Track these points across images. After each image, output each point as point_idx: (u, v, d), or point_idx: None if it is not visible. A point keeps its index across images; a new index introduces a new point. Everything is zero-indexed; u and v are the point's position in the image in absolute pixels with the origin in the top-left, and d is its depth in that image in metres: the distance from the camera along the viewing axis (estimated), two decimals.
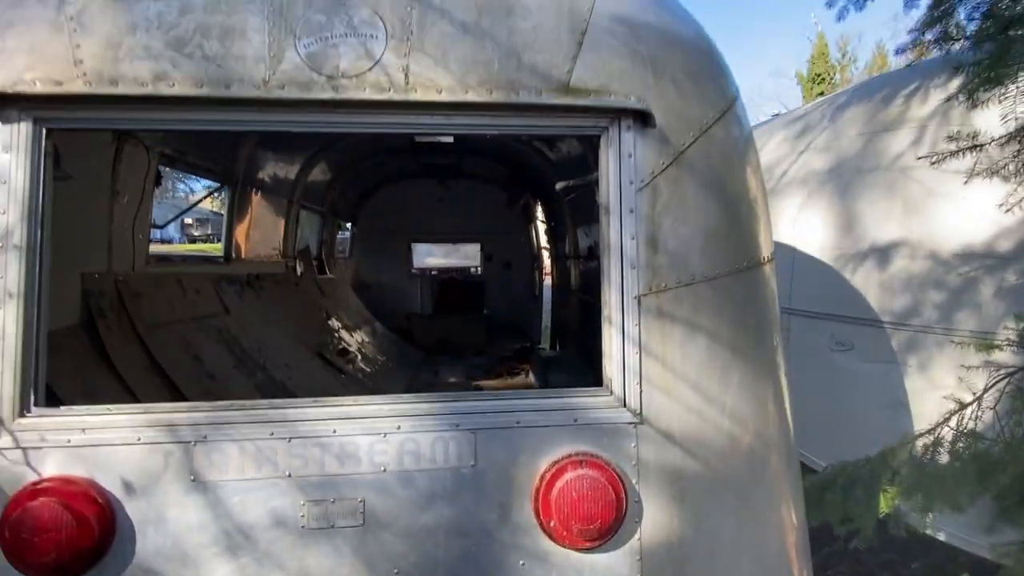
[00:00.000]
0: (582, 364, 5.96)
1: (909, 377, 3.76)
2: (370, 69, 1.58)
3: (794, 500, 1.92)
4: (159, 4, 1.57)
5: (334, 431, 1.52)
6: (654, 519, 1.60)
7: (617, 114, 1.66)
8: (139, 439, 1.48)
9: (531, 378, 6.76)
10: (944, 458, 2.78)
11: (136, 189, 3.69)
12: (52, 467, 1.46)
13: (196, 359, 3.92)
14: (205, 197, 5.77)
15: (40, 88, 1.50)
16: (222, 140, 4.82)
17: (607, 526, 1.51)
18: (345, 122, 1.62)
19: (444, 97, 1.59)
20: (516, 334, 9.40)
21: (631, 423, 1.60)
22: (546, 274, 9.13)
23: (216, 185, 5.20)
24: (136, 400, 3.16)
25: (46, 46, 1.53)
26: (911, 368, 3.74)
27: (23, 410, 1.47)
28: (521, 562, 1.55)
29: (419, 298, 9.79)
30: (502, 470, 1.55)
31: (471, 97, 1.60)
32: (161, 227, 5.00)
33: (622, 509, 1.53)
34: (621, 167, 1.66)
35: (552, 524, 1.50)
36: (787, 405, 1.96)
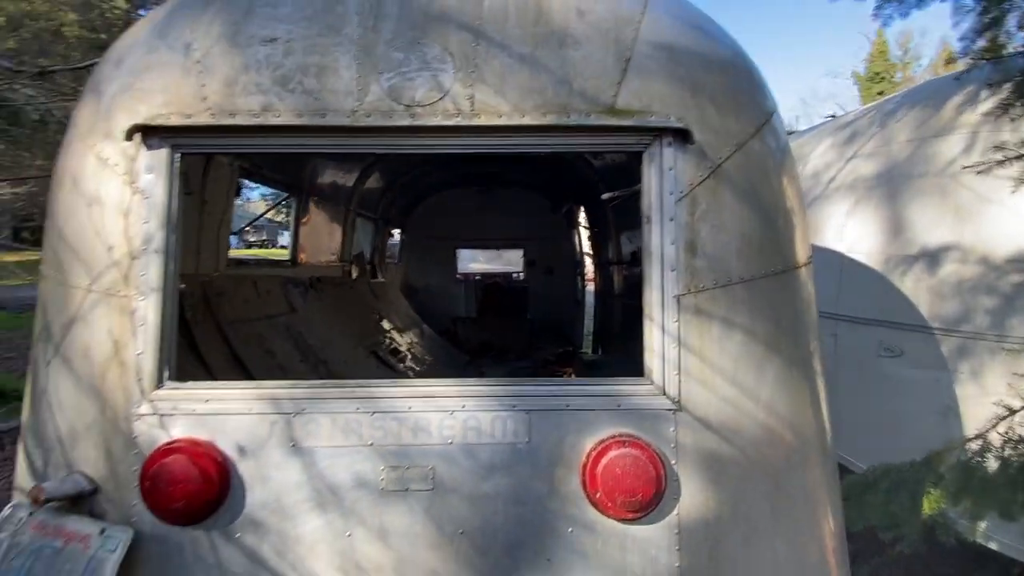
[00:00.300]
0: (624, 369, 6.07)
1: (960, 384, 3.73)
2: (441, 98, 1.83)
3: (829, 492, 2.03)
4: (267, 48, 1.88)
5: (409, 408, 1.77)
6: (691, 498, 1.77)
7: (658, 132, 1.85)
8: (250, 410, 1.78)
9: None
10: (992, 464, 2.77)
11: (220, 200, 4.12)
12: (181, 431, 1.77)
13: (269, 353, 4.32)
14: (275, 206, 6.25)
15: (175, 121, 1.84)
16: (291, 155, 5.28)
17: (648, 500, 1.69)
18: (420, 144, 1.89)
19: (504, 121, 1.83)
20: (558, 338, 9.54)
21: (670, 409, 1.78)
22: (588, 280, 9.24)
23: (285, 195, 5.66)
24: None
25: (178, 86, 1.87)
26: (962, 375, 3.71)
27: (159, 383, 1.80)
28: (570, 529, 1.75)
29: (464, 302, 10.08)
30: (553, 446, 1.76)
31: (528, 120, 1.83)
32: (235, 233, 5.50)
33: (661, 486, 1.71)
34: (662, 180, 1.85)
35: (598, 496, 1.70)
36: (823, 400, 2.07)
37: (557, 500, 1.75)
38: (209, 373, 3.61)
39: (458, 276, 10.51)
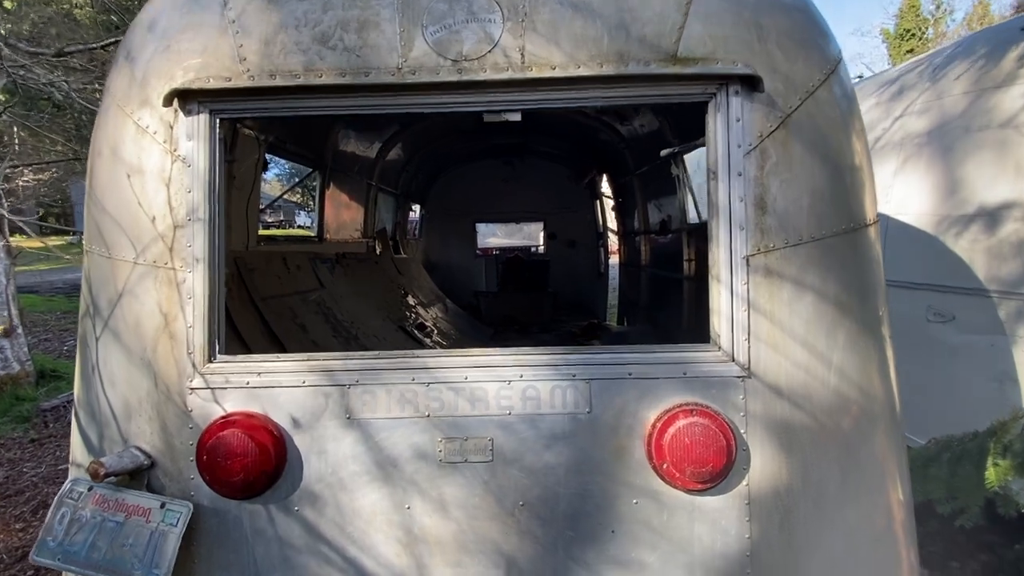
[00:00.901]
0: (649, 339, 5.99)
1: (1018, 348, 3.56)
2: (490, 51, 1.72)
3: (898, 460, 1.94)
4: (304, 3, 1.77)
5: (466, 378, 1.71)
6: (762, 468, 1.69)
7: (724, 80, 1.72)
8: (303, 382, 1.73)
9: None
10: None
11: (248, 175, 4.07)
12: (234, 404, 1.74)
13: (302, 328, 4.32)
14: (301, 181, 6.20)
15: (213, 84, 1.75)
16: (315, 128, 5.19)
17: (718, 470, 1.62)
18: (469, 102, 1.78)
19: (558, 73, 1.71)
20: (581, 311, 9.49)
21: (739, 376, 1.69)
22: (612, 252, 9.11)
23: (309, 170, 5.59)
24: None
25: (215, 47, 1.78)
26: (1020, 339, 3.54)
27: (211, 357, 1.76)
28: (635, 500, 1.69)
29: (484, 277, 10.05)
30: (615, 417, 1.69)
31: (583, 72, 1.71)
32: (262, 209, 5.47)
33: (731, 456, 1.63)
34: (729, 132, 1.72)
35: (665, 466, 1.63)
36: (891, 365, 1.97)
37: (621, 471, 1.69)
38: (246, 348, 3.62)
39: (478, 252, 10.47)
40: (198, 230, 1.76)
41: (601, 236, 9.42)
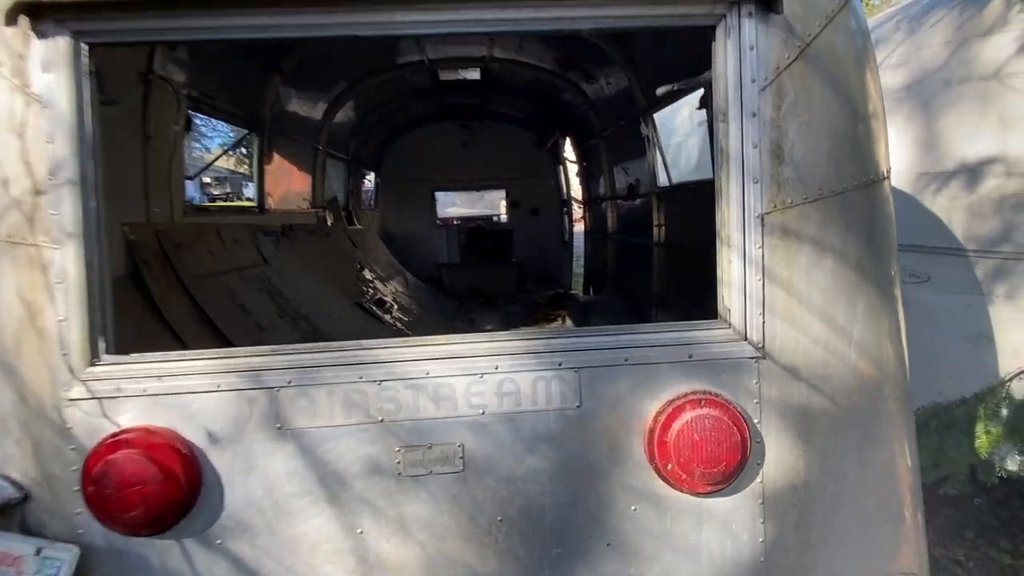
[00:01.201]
0: (621, 308, 5.80)
1: (995, 307, 3.49)
2: None
3: (908, 434, 1.76)
4: None
5: (427, 372, 1.38)
6: (777, 461, 1.46)
7: None
8: (219, 386, 1.36)
9: (568, 323, 6.66)
10: None
11: (166, 135, 3.52)
12: (131, 417, 1.36)
13: (243, 309, 3.87)
14: (235, 145, 5.58)
15: None
16: (249, 83, 4.59)
17: (732, 469, 1.37)
18: (416, 21, 1.38)
19: None
20: (546, 281, 9.32)
21: (753, 358, 1.43)
22: (577, 219, 8.91)
23: (245, 132, 5.00)
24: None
25: None
26: (997, 298, 3.47)
27: (94, 358, 1.37)
28: (633, 507, 1.43)
29: (446, 248, 9.75)
30: (610, 411, 1.41)
31: None
32: (190, 178, 4.87)
33: (746, 451, 1.38)
34: (742, 63, 1.41)
35: (669, 467, 1.37)
36: (903, 333, 1.76)
37: (617, 475, 1.42)
38: (177, 338, 3.17)
39: (439, 222, 10.10)
40: (66, 194, 1.34)
41: (565, 203, 9.16)
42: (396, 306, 6.80)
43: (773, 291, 1.44)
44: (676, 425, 1.35)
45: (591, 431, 1.41)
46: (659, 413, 1.39)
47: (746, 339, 1.44)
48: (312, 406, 1.36)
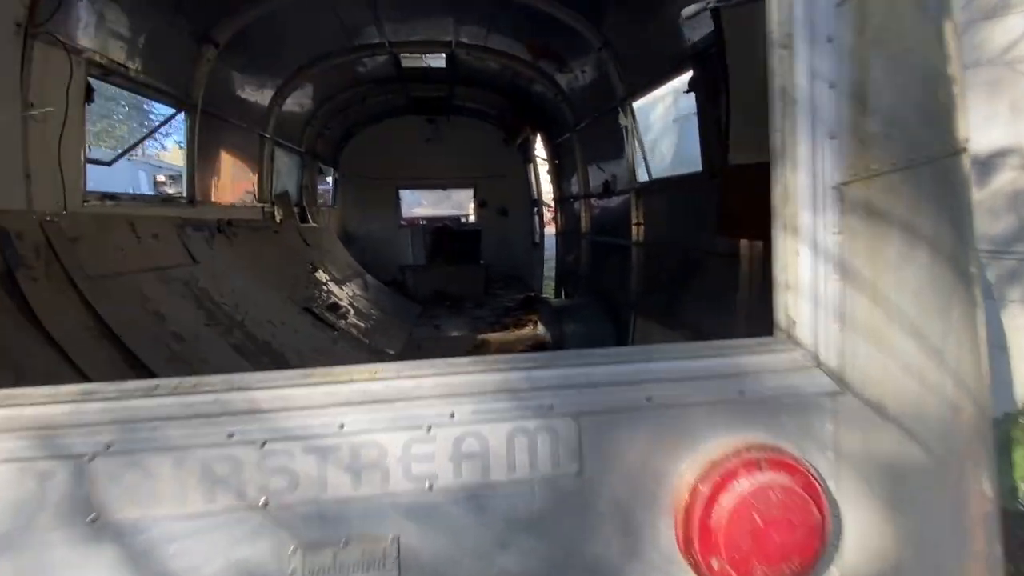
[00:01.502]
0: (595, 312, 5.40)
1: (1009, 313, 3.18)
2: None
3: (992, 482, 1.35)
4: None
5: (341, 425, 0.87)
6: (858, 541, 1.01)
7: None
8: None
9: (539, 329, 6.21)
10: None
11: (57, 105, 2.89)
12: None
13: (157, 316, 3.24)
14: (163, 124, 4.92)
15: None
16: (174, 52, 3.96)
17: (808, 564, 0.91)
18: None
19: None
20: (516, 283, 8.95)
21: (830, 393, 0.98)
22: (548, 221, 8.57)
23: (172, 111, 4.36)
24: (78, 371, 2.50)
25: None
26: (1012, 303, 3.16)
27: None
28: None
29: (411, 249, 9.31)
30: (625, 479, 0.93)
31: None
32: (108, 164, 4.19)
33: (825, 535, 0.93)
34: None
35: (716, 565, 0.90)
36: (984, 351, 1.36)
37: (634, 572, 0.94)
38: (60, 350, 2.55)
39: (403, 222, 9.62)
40: None
41: (535, 203, 8.78)
42: (352, 311, 6.20)
43: (854, 296, 1.00)
44: (726, 500, 0.88)
45: (596, 510, 0.92)
46: (699, 481, 0.92)
47: (819, 365, 0.98)
48: (148, 484, 0.83)
